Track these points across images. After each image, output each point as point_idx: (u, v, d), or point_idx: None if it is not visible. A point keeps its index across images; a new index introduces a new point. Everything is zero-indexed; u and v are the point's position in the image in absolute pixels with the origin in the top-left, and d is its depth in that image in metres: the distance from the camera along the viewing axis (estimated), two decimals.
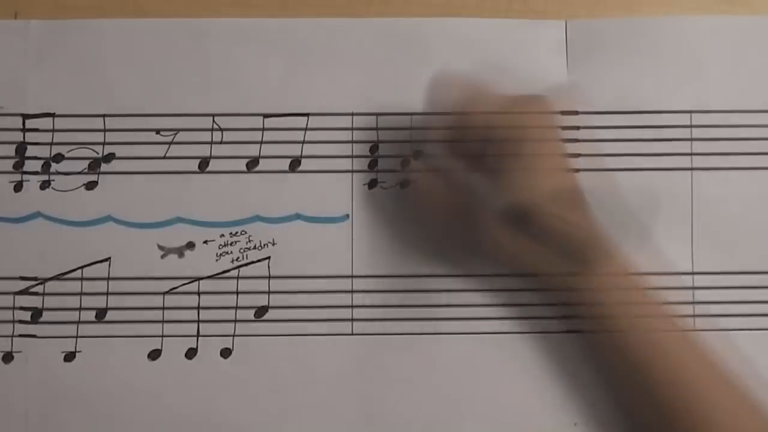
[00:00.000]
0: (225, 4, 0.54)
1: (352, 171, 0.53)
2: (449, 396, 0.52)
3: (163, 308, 0.52)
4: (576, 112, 0.51)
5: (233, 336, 0.52)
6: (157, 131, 0.53)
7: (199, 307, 0.53)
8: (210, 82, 0.53)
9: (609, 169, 0.53)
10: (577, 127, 0.53)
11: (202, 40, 0.53)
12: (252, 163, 0.53)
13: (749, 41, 0.54)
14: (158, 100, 0.53)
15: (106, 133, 0.53)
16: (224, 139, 0.53)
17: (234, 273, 0.53)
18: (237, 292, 0.53)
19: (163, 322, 0.52)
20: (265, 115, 0.53)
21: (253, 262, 0.53)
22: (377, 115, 0.53)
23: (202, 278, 0.53)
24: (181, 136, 0.53)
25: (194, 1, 0.54)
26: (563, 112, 0.52)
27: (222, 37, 0.53)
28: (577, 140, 0.52)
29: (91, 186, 0.53)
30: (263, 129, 0.53)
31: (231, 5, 0.54)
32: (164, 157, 0.53)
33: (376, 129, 0.53)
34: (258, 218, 0.53)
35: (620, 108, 0.53)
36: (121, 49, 0.53)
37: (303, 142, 0.53)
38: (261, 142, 0.53)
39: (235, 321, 0.52)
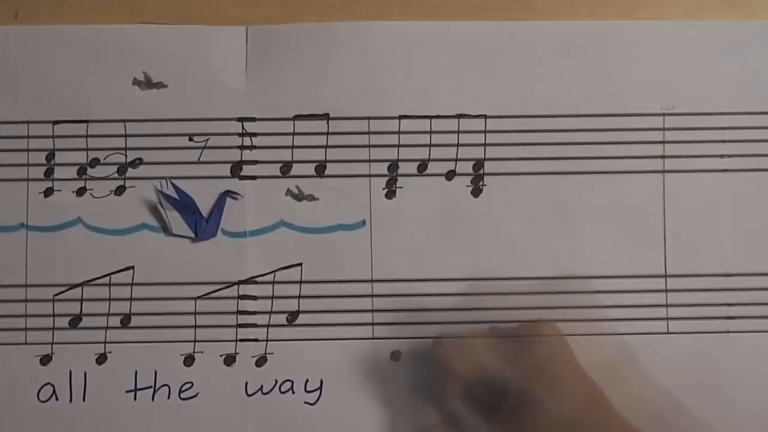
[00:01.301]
0: (225, 4, 0.54)
1: (370, 175, 0.53)
2: None
3: (195, 313, 0.52)
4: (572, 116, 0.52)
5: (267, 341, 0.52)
6: (190, 137, 0.53)
7: (237, 312, 0.52)
8: (239, 87, 0.53)
9: (582, 173, 0.53)
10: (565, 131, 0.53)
11: (229, 43, 0.53)
12: (285, 168, 0.53)
13: (719, 45, 0.54)
14: (190, 105, 0.53)
15: (136, 138, 0.53)
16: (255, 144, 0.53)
17: (269, 278, 0.52)
18: (272, 297, 0.52)
19: (195, 327, 0.52)
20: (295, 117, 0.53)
21: (285, 268, 0.52)
22: (393, 118, 0.53)
23: (240, 282, 0.52)
24: (213, 141, 0.53)
25: (195, 1, 0.54)
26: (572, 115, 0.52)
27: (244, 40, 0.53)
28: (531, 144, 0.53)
29: (120, 191, 0.53)
30: (294, 134, 0.53)
31: (231, 5, 0.54)
32: (198, 162, 0.53)
33: (398, 133, 0.53)
34: (284, 224, 0.53)
35: (594, 111, 0.53)
36: (149, 55, 0.53)
37: (326, 147, 0.53)
38: (292, 147, 0.53)
39: (269, 326, 0.52)
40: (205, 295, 0.52)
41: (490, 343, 0.50)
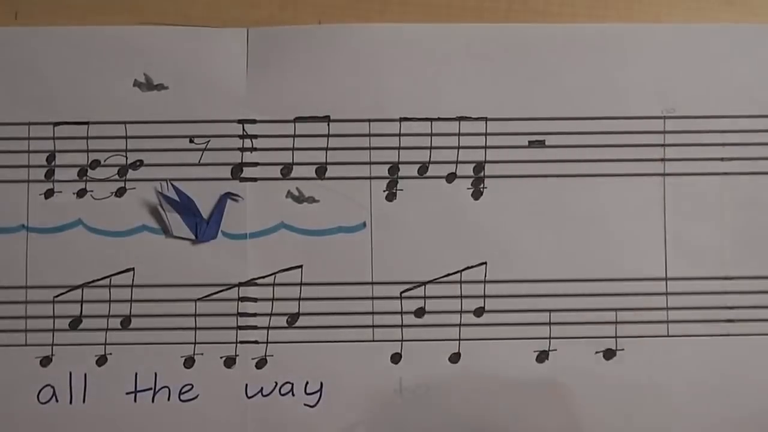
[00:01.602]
0: (225, 4, 0.53)
1: (370, 178, 0.53)
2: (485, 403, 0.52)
3: (195, 315, 0.52)
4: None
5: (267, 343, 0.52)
6: (191, 139, 0.53)
7: (238, 314, 0.52)
8: (240, 89, 0.53)
9: (582, 175, 0.53)
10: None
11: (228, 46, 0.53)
12: (285, 170, 0.53)
13: (720, 48, 0.54)
14: (191, 107, 0.53)
15: (136, 140, 0.53)
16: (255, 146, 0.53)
17: (270, 280, 0.52)
18: (273, 299, 0.52)
19: (195, 329, 0.52)
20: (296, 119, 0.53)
21: (285, 270, 0.52)
22: (394, 120, 0.53)
23: (241, 284, 0.52)
24: (214, 143, 0.53)
25: (194, 1, 0.54)
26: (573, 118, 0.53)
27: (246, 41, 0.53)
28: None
29: (120, 193, 0.53)
30: (294, 136, 0.53)
31: (231, 5, 0.53)
32: (198, 164, 0.53)
33: (399, 135, 0.53)
34: (284, 226, 0.53)
35: (594, 113, 0.53)
36: (150, 56, 0.53)
37: (327, 149, 0.53)
38: (293, 149, 0.53)
39: (269, 328, 0.52)
40: (205, 296, 0.52)
41: None
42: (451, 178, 0.53)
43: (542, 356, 0.53)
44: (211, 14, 0.54)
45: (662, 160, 0.53)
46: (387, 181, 0.53)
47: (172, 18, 0.54)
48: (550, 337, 0.53)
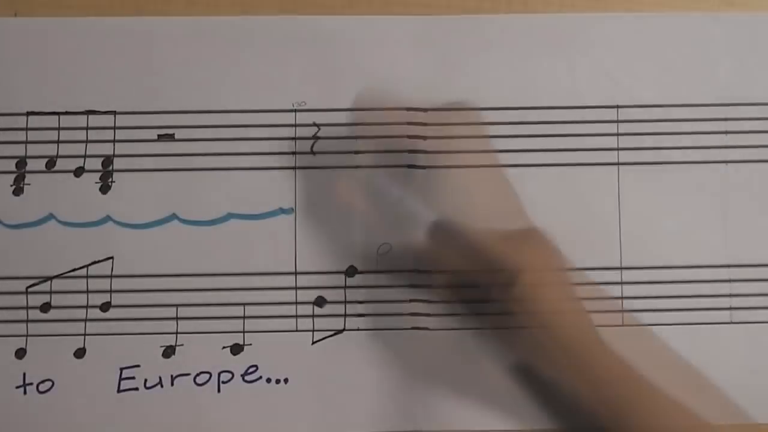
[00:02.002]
0: (225, 4, 0.54)
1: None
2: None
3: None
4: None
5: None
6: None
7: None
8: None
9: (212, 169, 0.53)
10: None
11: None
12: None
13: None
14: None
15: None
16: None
17: None
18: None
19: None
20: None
21: None
22: (21, 115, 0.53)
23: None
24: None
25: (194, 0, 0.54)
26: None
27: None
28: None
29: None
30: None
31: (231, 4, 0.54)
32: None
33: (26, 129, 0.53)
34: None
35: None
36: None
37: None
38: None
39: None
40: None
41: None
42: (79, 172, 0.53)
43: (169, 351, 0.52)
44: (211, 12, 0.54)
45: (293, 153, 0.53)
46: (14, 175, 0.53)
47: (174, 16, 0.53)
48: (177, 332, 0.52)
